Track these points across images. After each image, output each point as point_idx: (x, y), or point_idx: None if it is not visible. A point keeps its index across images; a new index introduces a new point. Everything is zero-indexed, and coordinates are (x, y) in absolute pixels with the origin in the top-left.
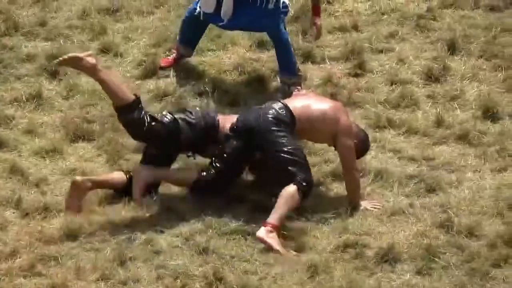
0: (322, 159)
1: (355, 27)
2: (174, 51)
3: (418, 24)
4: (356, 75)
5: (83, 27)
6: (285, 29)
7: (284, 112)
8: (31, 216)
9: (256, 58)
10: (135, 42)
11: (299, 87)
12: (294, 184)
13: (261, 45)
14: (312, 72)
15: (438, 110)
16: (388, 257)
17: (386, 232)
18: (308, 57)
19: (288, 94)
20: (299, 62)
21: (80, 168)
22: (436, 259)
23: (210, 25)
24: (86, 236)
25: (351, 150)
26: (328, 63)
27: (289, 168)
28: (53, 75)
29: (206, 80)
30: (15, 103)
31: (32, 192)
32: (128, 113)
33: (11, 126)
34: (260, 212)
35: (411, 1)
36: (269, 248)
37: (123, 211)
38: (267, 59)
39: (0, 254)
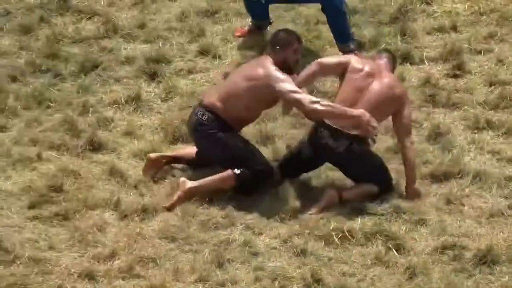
0: (420, 160)
1: (454, 28)
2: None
3: None
4: (455, 76)
5: (182, 29)
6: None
7: None
8: (130, 217)
9: None
10: (233, 44)
11: (356, 52)
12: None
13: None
14: (410, 73)
15: None
16: (487, 259)
17: (485, 234)
18: (407, 58)
19: None
20: (398, 62)
21: (178, 169)
22: None
23: None
24: (184, 238)
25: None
26: (427, 63)
27: None
28: (152, 77)
29: None
30: (114, 105)
31: (131, 194)
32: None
33: (110, 128)
34: (357, 213)
35: (510, 2)
36: None
37: (220, 213)
38: None
39: (99, 255)
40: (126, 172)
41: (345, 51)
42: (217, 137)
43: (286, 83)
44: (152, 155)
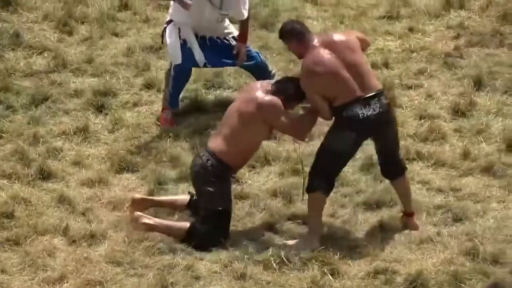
0: (354, 189)
1: (386, 65)
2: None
3: (446, 62)
4: None
5: (128, 64)
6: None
7: None
8: (78, 243)
9: None
10: None
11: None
12: None
13: None
14: None
15: (465, 143)
16: (417, 283)
17: (415, 259)
18: None
19: None
20: None
21: (124, 197)
22: (463, 285)
23: None
24: (130, 262)
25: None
26: None
27: None
28: (99, 109)
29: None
30: (63, 136)
31: (79, 221)
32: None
33: (60, 157)
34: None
35: (439, 40)
36: None
37: (166, 239)
38: None
39: (49, 279)
40: (74, 199)
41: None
42: (212, 188)
43: (282, 117)
44: (137, 196)
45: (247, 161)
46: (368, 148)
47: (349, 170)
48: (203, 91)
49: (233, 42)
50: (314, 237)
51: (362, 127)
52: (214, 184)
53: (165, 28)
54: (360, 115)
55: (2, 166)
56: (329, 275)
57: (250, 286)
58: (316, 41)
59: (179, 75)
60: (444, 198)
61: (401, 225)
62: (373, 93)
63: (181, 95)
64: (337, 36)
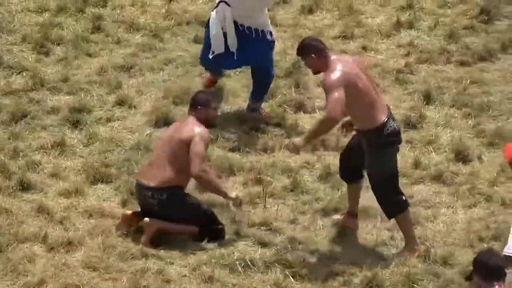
0: (313, 197)
1: None
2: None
3: (397, 78)
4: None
5: (101, 82)
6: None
7: None
8: (56, 249)
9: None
10: (147, 95)
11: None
12: None
13: None
14: (304, 120)
15: (416, 153)
16: (373, 284)
17: (371, 262)
18: (300, 107)
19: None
20: (292, 112)
21: (99, 206)
22: (415, 286)
23: None
24: (105, 267)
25: None
26: (318, 112)
27: None
28: (75, 125)
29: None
30: (41, 150)
31: (57, 229)
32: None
33: (38, 170)
34: (258, 244)
35: (390, 58)
36: None
37: (136, 245)
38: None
39: (29, 283)
40: (52, 209)
41: (251, 109)
42: (182, 211)
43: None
44: (127, 212)
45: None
46: (326, 158)
47: (309, 179)
48: (172, 107)
49: (269, 37)
50: (413, 246)
51: (399, 140)
52: (183, 207)
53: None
54: (397, 128)
55: None
56: (291, 278)
57: None
58: (334, 57)
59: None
60: None
61: (340, 224)
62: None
63: (150, 110)
64: (346, 56)
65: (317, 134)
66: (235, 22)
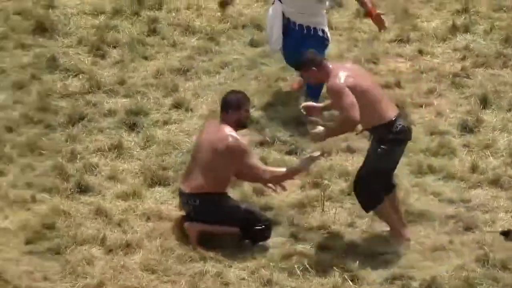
0: None
1: (398, 84)
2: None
3: (454, 82)
4: None
5: (158, 85)
6: None
7: None
8: (115, 252)
9: None
10: (204, 98)
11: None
12: None
13: None
14: None
15: (473, 157)
16: None
17: (429, 266)
18: None
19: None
20: None
21: (157, 209)
22: None
23: None
24: (163, 270)
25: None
26: None
27: None
28: (132, 127)
29: (267, 131)
30: (98, 153)
31: (115, 231)
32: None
33: (96, 173)
34: (318, 249)
35: (447, 61)
36: None
37: (196, 248)
38: None
39: (88, 286)
40: (110, 211)
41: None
42: (218, 215)
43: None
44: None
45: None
46: None
47: None
48: None
49: (321, 34)
50: (398, 233)
51: (407, 137)
52: (219, 211)
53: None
54: (407, 126)
55: (43, 181)
56: (349, 281)
57: None
58: (334, 66)
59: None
60: (455, 208)
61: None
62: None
63: (207, 112)
64: (347, 64)
65: (336, 133)
66: (288, 19)
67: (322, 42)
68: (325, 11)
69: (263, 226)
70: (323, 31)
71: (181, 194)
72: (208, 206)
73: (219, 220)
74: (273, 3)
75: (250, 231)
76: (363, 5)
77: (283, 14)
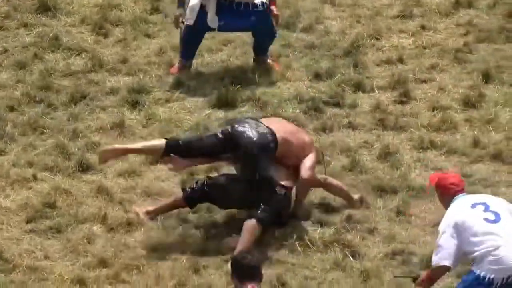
0: (372, 176)
1: (400, 60)
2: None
3: (456, 57)
4: (401, 102)
5: (160, 63)
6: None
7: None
8: (116, 230)
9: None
10: (206, 76)
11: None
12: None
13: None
14: (362, 100)
15: (475, 132)
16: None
17: (430, 241)
18: (359, 87)
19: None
20: (350, 91)
21: (158, 187)
22: None
23: None
24: (164, 248)
25: None
26: (377, 91)
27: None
28: (134, 106)
29: (269, 108)
30: (100, 131)
31: (117, 209)
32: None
33: (98, 151)
34: (317, 224)
35: (449, 36)
36: None
37: (198, 227)
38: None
39: (89, 264)
40: (112, 190)
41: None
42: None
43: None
44: (108, 147)
45: None
46: (385, 137)
47: (367, 159)
48: (230, 87)
49: (260, 8)
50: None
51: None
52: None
53: None
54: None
55: (44, 160)
56: (350, 257)
57: (277, 268)
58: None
59: (188, 37)
60: None
61: None
62: None
63: (209, 90)
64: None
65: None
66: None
67: (262, 13)
68: None
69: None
70: (262, 4)
71: None
72: None
73: None
74: None
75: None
76: None
77: None
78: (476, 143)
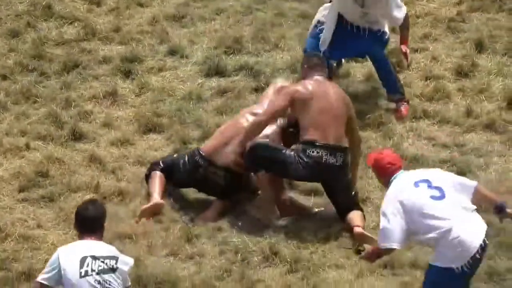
0: (365, 146)
1: (394, 29)
2: None
3: (449, 26)
4: None
5: (153, 32)
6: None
7: None
8: (108, 199)
9: None
10: (199, 45)
11: (405, 103)
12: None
13: None
14: (356, 69)
15: (468, 102)
16: None
17: None
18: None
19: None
20: (347, 61)
21: (151, 156)
22: None
23: None
24: (156, 217)
25: None
26: (370, 61)
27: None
28: (127, 74)
29: (262, 77)
30: (93, 100)
31: (109, 178)
32: None
33: (90, 120)
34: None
35: (443, 6)
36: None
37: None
38: None
39: None
40: (104, 159)
41: (393, 100)
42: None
43: None
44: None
45: None
46: (378, 108)
47: (360, 128)
48: (223, 56)
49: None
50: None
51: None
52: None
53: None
54: (318, 159)
55: (37, 129)
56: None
57: (269, 237)
58: (315, 78)
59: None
60: (449, 153)
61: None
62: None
63: (202, 59)
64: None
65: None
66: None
67: (379, 39)
68: None
69: None
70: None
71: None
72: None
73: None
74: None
75: None
76: (402, 36)
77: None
78: (469, 113)
